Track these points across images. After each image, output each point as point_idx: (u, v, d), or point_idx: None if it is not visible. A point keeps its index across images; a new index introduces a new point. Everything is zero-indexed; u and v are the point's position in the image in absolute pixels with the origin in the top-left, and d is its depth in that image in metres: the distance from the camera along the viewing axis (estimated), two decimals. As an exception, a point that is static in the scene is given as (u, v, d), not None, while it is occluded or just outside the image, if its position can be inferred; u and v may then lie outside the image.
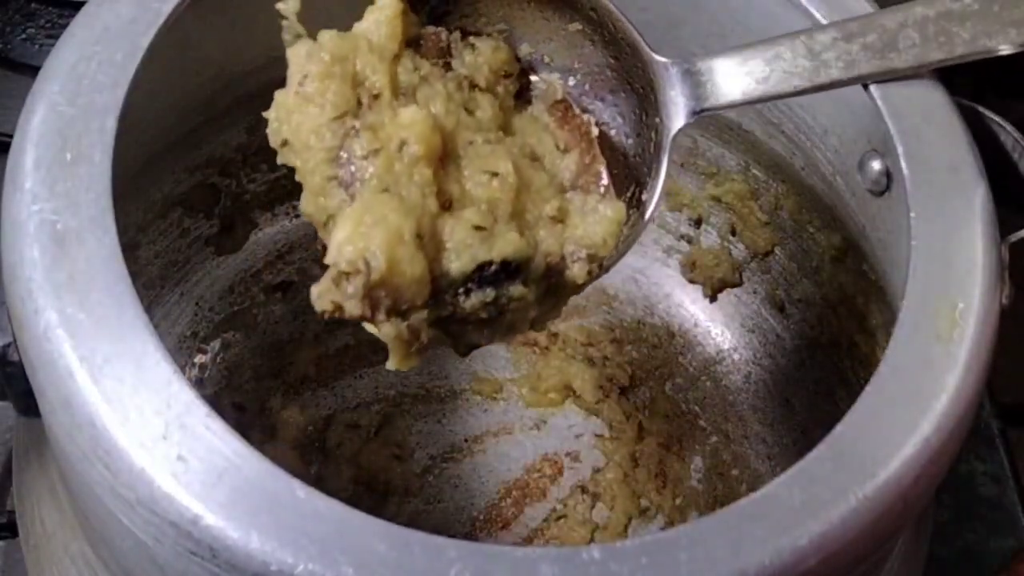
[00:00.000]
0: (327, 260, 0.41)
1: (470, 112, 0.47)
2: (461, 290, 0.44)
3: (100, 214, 0.41)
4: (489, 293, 0.44)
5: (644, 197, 0.48)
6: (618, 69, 0.49)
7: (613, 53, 0.49)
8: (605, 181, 0.49)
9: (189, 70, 0.53)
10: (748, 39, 0.49)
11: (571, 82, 0.50)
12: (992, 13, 0.47)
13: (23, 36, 0.78)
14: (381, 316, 0.42)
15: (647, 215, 0.48)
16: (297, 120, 0.43)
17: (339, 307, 0.41)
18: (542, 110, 0.50)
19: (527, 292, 0.46)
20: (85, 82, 0.44)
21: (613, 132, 0.50)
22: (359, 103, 0.44)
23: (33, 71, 0.46)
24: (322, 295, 0.41)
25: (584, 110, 0.50)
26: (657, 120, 0.48)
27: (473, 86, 0.48)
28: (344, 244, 0.41)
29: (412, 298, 0.42)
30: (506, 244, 0.44)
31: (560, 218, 0.47)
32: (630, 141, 0.50)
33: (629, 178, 0.49)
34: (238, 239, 0.67)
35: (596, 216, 0.47)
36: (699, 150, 0.67)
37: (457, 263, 0.43)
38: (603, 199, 0.48)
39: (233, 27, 0.53)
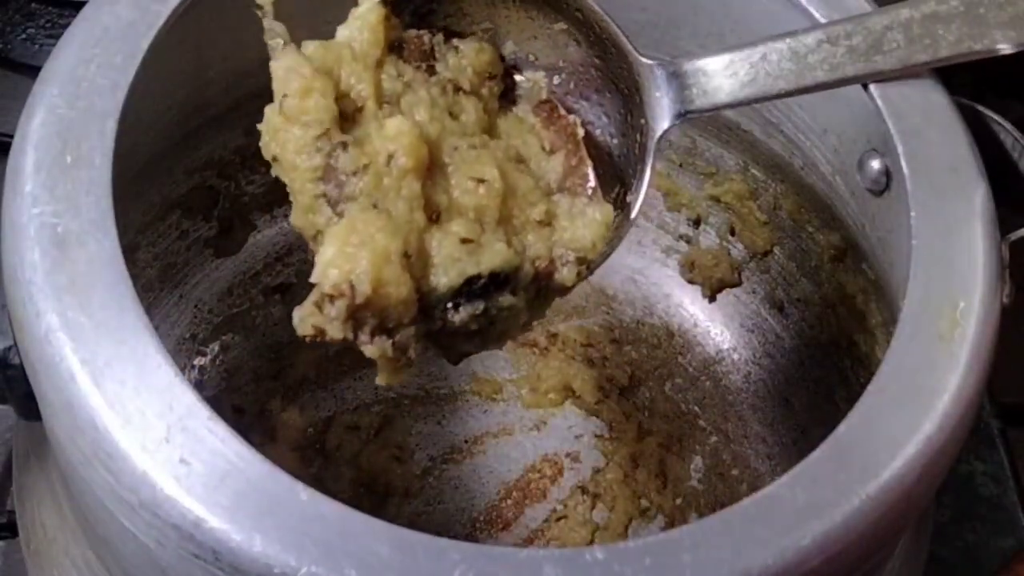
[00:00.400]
0: (312, 279, 0.41)
1: (454, 116, 0.47)
2: (450, 304, 0.44)
3: (100, 217, 0.41)
4: (479, 306, 0.44)
5: (629, 199, 0.49)
6: (603, 69, 0.49)
7: (598, 53, 0.49)
8: (592, 183, 0.49)
9: (188, 72, 0.53)
10: (748, 39, 0.49)
11: (556, 80, 0.50)
12: (977, 16, 0.47)
13: (23, 36, 0.78)
14: (365, 337, 0.41)
15: (632, 216, 0.48)
16: (283, 138, 0.43)
17: (321, 331, 0.41)
18: (527, 110, 0.50)
19: (517, 300, 0.46)
20: (84, 85, 0.44)
21: (598, 131, 0.50)
22: (344, 116, 0.44)
23: (33, 71, 0.46)
24: (304, 319, 0.41)
25: (569, 109, 0.50)
26: (642, 121, 0.48)
27: (457, 89, 0.47)
28: (329, 266, 0.41)
29: (399, 317, 0.42)
30: (494, 256, 0.44)
31: (547, 221, 0.47)
32: (615, 141, 0.50)
33: (614, 178, 0.49)
34: (237, 241, 0.66)
35: (584, 219, 0.47)
36: (698, 150, 0.67)
37: (445, 278, 0.43)
38: (591, 202, 0.48)
39: (232, 29, 0.52)
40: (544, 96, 0.50)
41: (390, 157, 0.42)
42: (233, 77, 0.56)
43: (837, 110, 0.53)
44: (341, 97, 0.44)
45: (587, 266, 0.47)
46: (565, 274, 0.47)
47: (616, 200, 0.49)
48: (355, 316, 0.41)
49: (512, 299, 0.45)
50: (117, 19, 0.45)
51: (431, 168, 0.44)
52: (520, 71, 0.50)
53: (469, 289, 0.44)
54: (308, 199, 0.43)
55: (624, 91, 0.49)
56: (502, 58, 0.49)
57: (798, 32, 0.48)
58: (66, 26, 0.46)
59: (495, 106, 0.49)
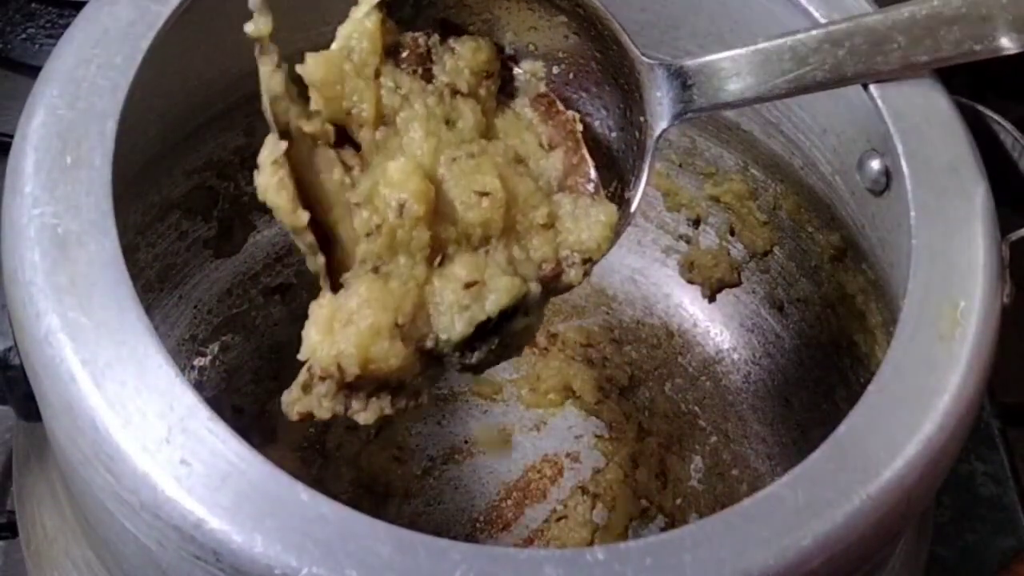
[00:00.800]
0: (301, 355, 0.41)
1: (451, 124, 0.47)
2: (465, 349, 0.44)
3: (101, 217, 0.41)
4: (494, 341, 0.44)
5: (627, 195, 0.49)
6: (603, 63, 0.49)
7: (599, 47, 0.49)
8: (594, 182, 0.49)
9: (188, 73, 0.53)
10: (747, 40, 0.49)
11: (555, 70, 0.50)
12: (979, 16, 0.47)
13: (23, 36, 0.78)
14: (359, 404, 0.41)
15: (631, 211, 0.48)
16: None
17: (309, 415, 0.41)
18: (525, 104, 0.50)
19: (531, 319, 0.46)
20: (84, 85, 0.44)
21: (597, 123, 0.50)
22: (346, 166, 0.43)
23: (33, 71, 0.46)
24: (291, 404, 0.41)
25: (568, 100, 0.50)
26: (642, 119, 0.49)
27: (455, 93, 0.47)
28: (315, 349, 0.40)
29: (398, 379, 0.42)
30: (501, 294, 0.44)
31: (550, 224, 0.47)
32: (614, 135, 0.50)
33: (612, 172, 0.49)
34: (236, 242, 0.66)
35: (588, 220, 0.47)
36: (697, 150, 0.67)
37: (454, 331, 0.43)
38: (594, 202, 0.48)
39: (232, 29, 0.52)
40: (542, 90, 0.50)
41: (401, 207, 0.42)
42: (233, 77, 0.56)
43: (837, 110, 0.53)
44: (347, 114, 0.44)
45: (591, 264, 0.47)
46: (572, 276, 0.47)
47: (614, 195, 0.49)
48: (348, 386, 0.41)
49: (526, 319, 0.45)
50: (117, 20, 0.45)
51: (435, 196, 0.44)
52: (518, 62, 0.50)
53: (483, 330, 0.44)
54: (314, 266, 0.43)
55: (624, 86, 0.49)
56: (501, 49, 0.49)
57: (798, 32, 0.48)
58: (66, 26, 0.46)
59: (492, 105, 0.49)
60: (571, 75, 0.50)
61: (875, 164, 0.51)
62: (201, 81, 0.54)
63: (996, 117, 0.50)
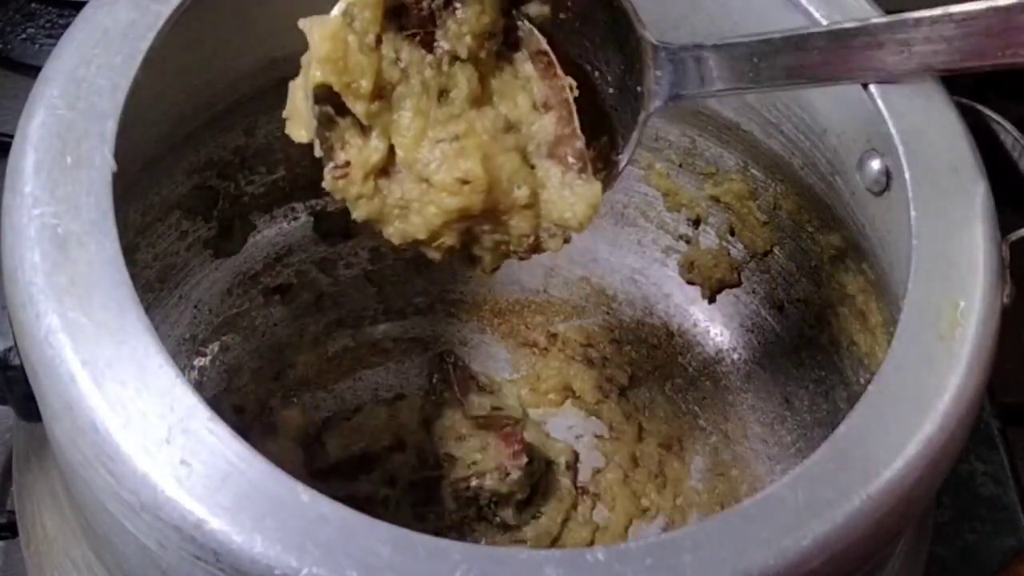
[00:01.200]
0: None
1: (445, 94, 0.47)
2: None
3: (101, 218, 0.41)
4: None
5: (615, 158, 0.49)
6: (611, 25, 0.50)
7: (608, 14, 0.49)
8: (583, 157, 0.49)
9: (188, 73, 0.52)
10: (747, 39, 0.49)
11: (562, 16, 0.50)
12: (988, 25, 0.46)
13: (23, 36, 0.78)
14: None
15: (616, 172, 0.49)
16: None
17: None
18: (526, 59, 0.50)
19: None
20: (84, 86, 0.44)
21: (597, 75, 0.50)
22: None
23: (33, 71, 0.46)
24: None
25: (571, 48, 0.50)
26: (639, 89, 0.49)
27: (454, 59, 0.47)
28: None
29: None
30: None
31: (532, 203, 0.48)
32: (611, 91, 0.50)
33: (603, 127, 0.50)
34: (236, 242, 0.66)
35: (573, 198, 0.48)
36: (697, 150, 0.67)
37: None
38: (580, 179, 0.48)
39: (232, 30, 0.53)
40: (543, 46, 0.50)
41: None
42: (233, 77, 0.56)
43: (837, 110, 0.53)
44: (345, 86, 0.44)
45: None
46: (551, 245, 0.48)
47: (602, 151, 0.49)
48: None
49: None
50: (117, 20, 0.45)
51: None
52: (524, 3, 0.50)
53: None
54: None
55: (627, 54, 0.49)
56: None
57: (801, 29, 0.48)
58: (66, 26, 0.46)
59: (492, 65, 0.49)
60: (577, 24, 0.50)
61: (875, 164, 0.51)
62: (201, 81, 0.54)
63: (996, 117, 0.50)
